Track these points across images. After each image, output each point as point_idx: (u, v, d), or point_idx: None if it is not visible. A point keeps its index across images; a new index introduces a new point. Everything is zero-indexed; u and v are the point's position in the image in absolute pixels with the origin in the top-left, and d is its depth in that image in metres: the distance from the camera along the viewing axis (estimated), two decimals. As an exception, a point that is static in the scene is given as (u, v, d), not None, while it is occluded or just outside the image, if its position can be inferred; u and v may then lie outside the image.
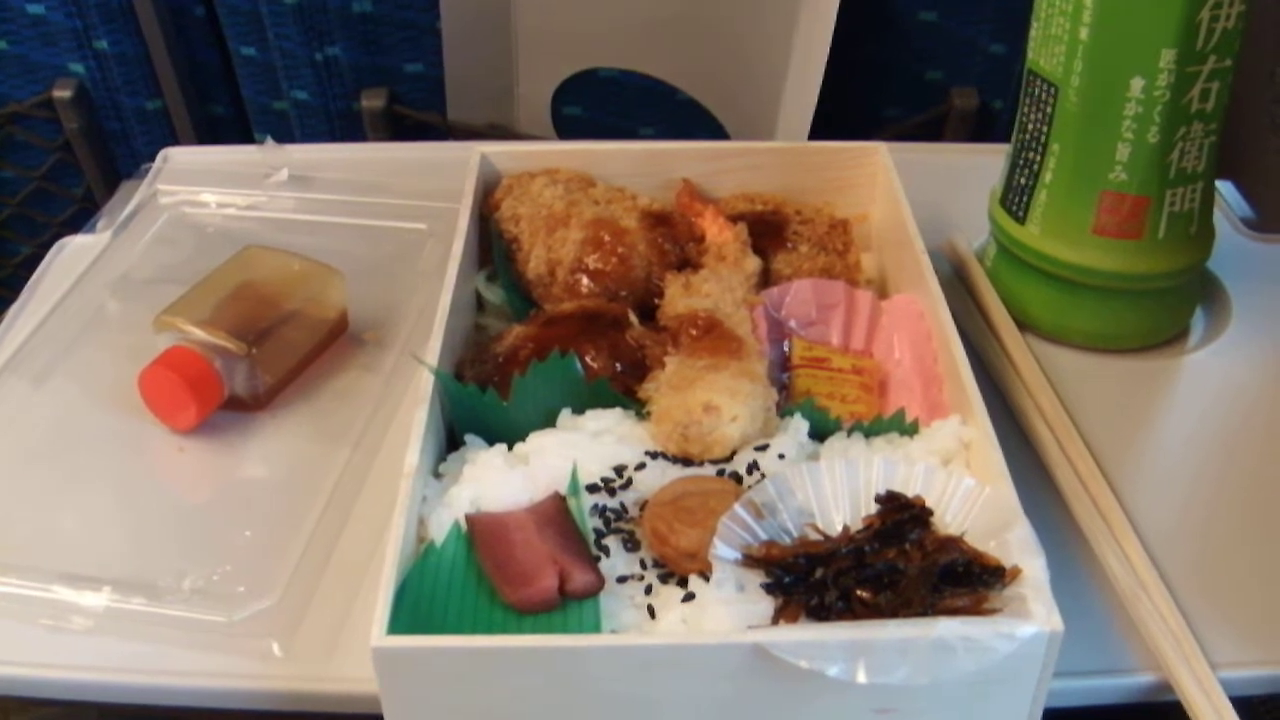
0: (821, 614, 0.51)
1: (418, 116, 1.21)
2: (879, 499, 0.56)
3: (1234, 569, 0.62)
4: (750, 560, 0.53)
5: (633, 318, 0.68)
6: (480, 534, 0.56)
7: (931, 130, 1.20)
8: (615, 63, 1.19)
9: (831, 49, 1.04)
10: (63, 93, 1.21)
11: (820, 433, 0.62)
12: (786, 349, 0.70)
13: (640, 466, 0.59)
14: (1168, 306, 0.78)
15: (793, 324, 0.72)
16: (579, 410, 0.62)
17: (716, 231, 0.75)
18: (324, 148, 1.04)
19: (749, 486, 0.57)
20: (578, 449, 0.59)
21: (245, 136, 1.31)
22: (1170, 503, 0.66)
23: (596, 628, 0.52)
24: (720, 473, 0.59)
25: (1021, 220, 0.76)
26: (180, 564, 0.61)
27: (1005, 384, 0.73)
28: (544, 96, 1.21)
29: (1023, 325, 0.78)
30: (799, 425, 0.61)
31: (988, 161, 0.83)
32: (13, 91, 1.23)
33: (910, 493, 0.56)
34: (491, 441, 0.61)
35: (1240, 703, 0.54)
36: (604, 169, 0.80)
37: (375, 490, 0.66)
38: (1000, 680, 0.49)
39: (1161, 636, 0.57)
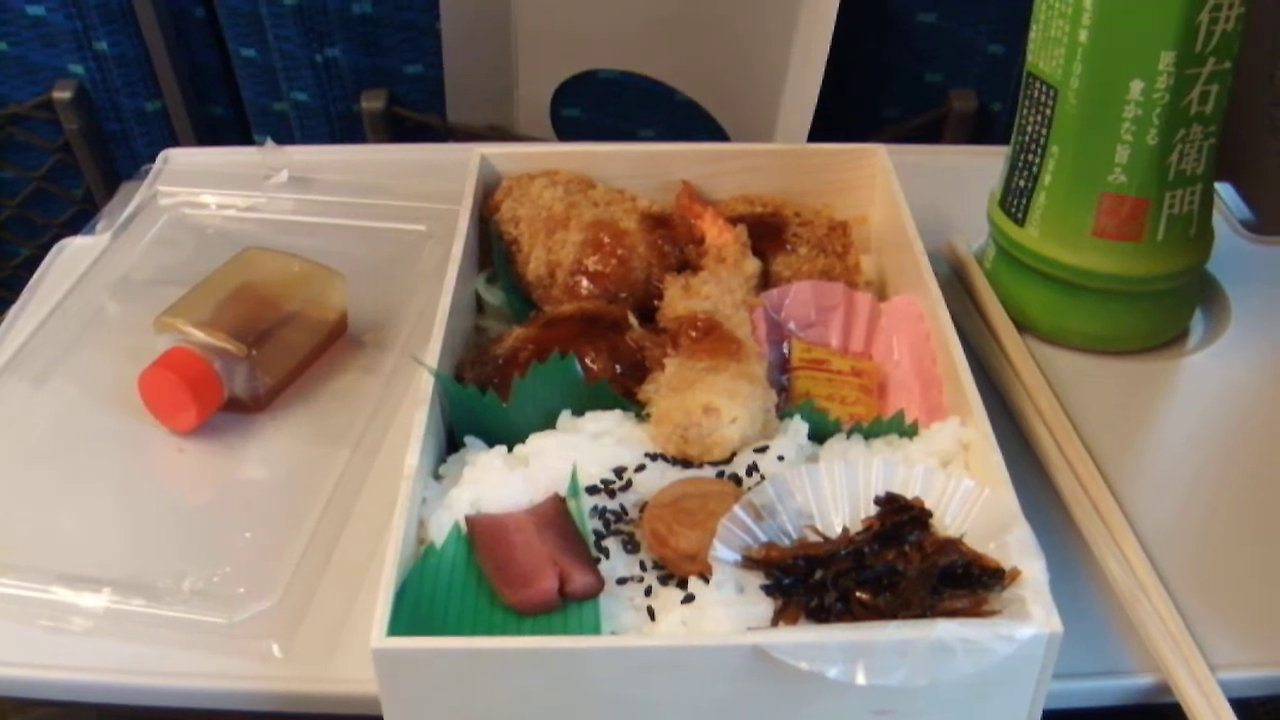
0: (821, 615, 0.51)
1: (417, 118, 1.21)
2: (878, 501, 0.56)
3: (1233, 571, 0.62)
4: (750, 562, 0.53)
5: (632, 319, 0.68)
6: (480, 535, 0.56)
7: (931, 132, 1.20)
8: (615, 64, 1.19)
9: (831, 50, 1.04)
10: (62, 94, 1.21)
11: (819, 434, 0.62)
12: (786, 351, 0.70)
13: (640, 468, 0.59)
14: (1167, 308, 0.78)
15: (792, 326, 0.72)
16: (579, 412, 0.62)
17: (716, 233, 0.75)
18: (324, 149, 1.04)
19: (748, 488, 0.57)
20: (577, 451, 0.59)
21: (245, 138, 1.31)
22: (1169, 504, 0.66)
23: (596, 629, 0.52)
24: (720, 474, 0.59)
25: (1021, 222, 0.77)
26: (180, 565, 0.61)
27: (1004, 386, 0.73)
28: (543, 98, 1.21)
29: (1022, 327, 0.78)
30: (798, 427, 0.61)
31: (987, 163, 0.83)
32: (12, 92, 1.23)
33: (909, 494, 0.56)
34: (491, 443, 0.61)
35: (1239, 704, 0.54)
36: (603, 171, 0.80)
37: (375, 492, 0.66)
38: (999, 682, 0.49)
39: (1160, 638, 0.57)
